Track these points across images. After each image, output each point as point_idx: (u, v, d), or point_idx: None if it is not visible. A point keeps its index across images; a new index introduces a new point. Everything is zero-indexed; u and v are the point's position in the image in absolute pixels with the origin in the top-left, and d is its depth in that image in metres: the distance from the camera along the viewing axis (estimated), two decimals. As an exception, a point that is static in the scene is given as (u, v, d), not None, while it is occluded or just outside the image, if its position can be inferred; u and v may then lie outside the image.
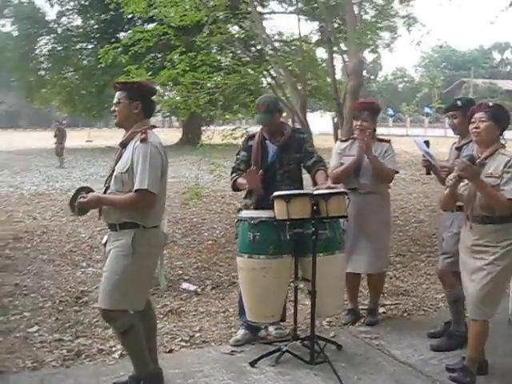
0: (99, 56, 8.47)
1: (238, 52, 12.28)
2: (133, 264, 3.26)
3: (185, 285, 5.90)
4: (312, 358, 3.79)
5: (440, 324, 4.40)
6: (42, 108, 36.82)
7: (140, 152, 3.23)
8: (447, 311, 4.50)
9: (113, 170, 3.37)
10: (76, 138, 30.31)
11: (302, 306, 4.59)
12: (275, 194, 3.77)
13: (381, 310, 4.94)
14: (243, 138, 4.76)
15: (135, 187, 3.20)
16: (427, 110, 51.87)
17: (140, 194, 3.20)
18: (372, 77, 66.85)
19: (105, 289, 3.32)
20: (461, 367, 3.51)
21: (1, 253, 7.08)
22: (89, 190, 3.46)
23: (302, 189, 4.22)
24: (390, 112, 53.01)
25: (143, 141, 3.25)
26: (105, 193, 3.38)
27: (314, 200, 3.70)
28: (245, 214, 4.06)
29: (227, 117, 10.54)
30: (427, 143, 4.18)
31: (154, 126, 3.49)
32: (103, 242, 3.74)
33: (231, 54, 12.40)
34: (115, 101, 3.42)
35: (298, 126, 8.32)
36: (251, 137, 4.44)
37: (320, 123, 24.60)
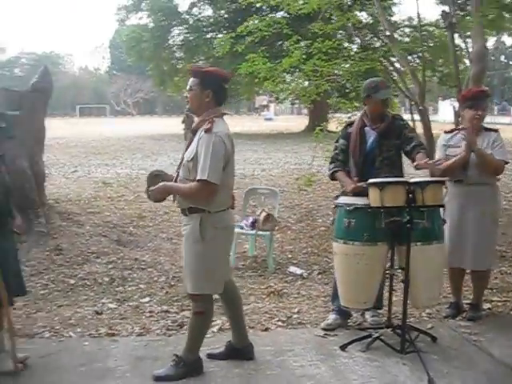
0: (215, 46, 8.81)
1: (366, 39, 12.16)
2: (203, 249, 3.40)
3: (292, 268, 6.03)
4: (402, 347, 3.76)
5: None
6: (175, 95, 38.53)
7: (203, 142, 3.32)
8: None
9: (183, 158, 3.50)
10: (205, 125, 31.38)
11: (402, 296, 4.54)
12: (370, 181, 3.77)
13: (486, 305, 4.74)
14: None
15: (197, 177, 3.31)
16: None
17: (201, 183, 3.29)
18: (511, 62, 62.58)
19: (185, 275, 3.57)
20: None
21: (125, 229, 7.60)
22: (160, 173, 3.65)
23: (402, 176, 4.17)
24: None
25: (207, 131, 3.32)
26: (176, 179, 3.52)
27: (409, 188, 3.66)
28: (342, 200, 4.10)
29: (355, 104, 10.49)
30: None
31: (224, 113, 3.54)
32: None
33: (358, 41, 12.29)
34: (188, 87, 3.52)
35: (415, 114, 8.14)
36: (350, 124, 4.44)
37: (450, 111, 23.47)
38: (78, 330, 4.33)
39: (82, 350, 3.96)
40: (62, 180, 12.34)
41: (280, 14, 15.27)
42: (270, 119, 49.37)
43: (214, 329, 4.24)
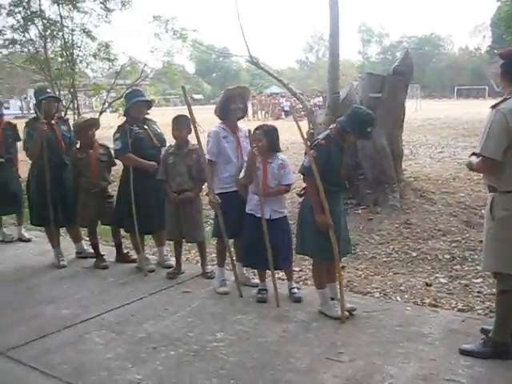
0: None
1: None
2: (493, 229, 3.41)
3: None
4: None
5: None
6: None
7: (487, 118, 3.33)
8: None
9: None
10: None
11: None
12: None
13: None
14: None
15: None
16: None
17: (481, 158, 3.35)
18: None
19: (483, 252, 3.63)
20: None
21: (477, 212, 7.35)
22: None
23: None
24: None
25: (493, 107, 3.31)
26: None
27: None
28: None
29: None
30: None
31: None
32: None
33: None
34: None
35: None
36: None
37: None
38: (405, 296, 4.74)
39: (402, 313, 4.35)
40: (427, 160, 12.73)
41: None
42: None
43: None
